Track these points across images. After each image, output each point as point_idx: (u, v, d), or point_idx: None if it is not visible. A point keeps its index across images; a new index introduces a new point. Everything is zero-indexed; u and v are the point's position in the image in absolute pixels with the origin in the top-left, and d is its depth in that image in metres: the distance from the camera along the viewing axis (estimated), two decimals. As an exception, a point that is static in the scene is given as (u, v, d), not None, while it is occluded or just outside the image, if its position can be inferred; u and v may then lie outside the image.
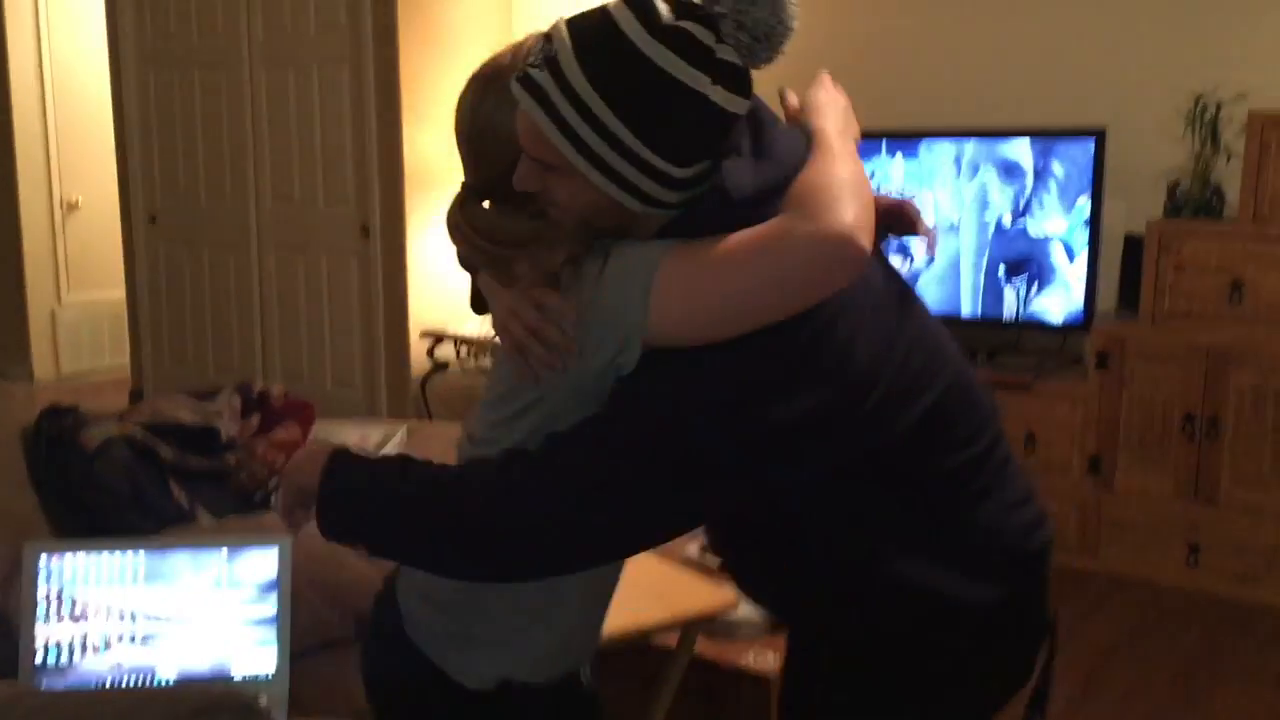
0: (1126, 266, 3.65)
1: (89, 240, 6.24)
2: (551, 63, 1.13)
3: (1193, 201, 3.40)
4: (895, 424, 1.21)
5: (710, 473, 1.14)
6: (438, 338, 4.66)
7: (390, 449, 3.18)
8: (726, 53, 1.12)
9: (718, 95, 1.12)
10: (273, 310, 5.18)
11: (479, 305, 1.35)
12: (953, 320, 3.80)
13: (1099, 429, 3.53)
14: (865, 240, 1.13)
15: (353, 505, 1.23)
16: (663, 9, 1.12)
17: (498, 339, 1.24)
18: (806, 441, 1.16)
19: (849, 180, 1.18)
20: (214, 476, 2.53)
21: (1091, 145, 3.61)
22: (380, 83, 4.63)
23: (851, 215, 1.14)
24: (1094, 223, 3.64)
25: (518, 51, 1.26)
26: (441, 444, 3.35)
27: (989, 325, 3.89)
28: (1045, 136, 3.70)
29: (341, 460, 1.26)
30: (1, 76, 5.93)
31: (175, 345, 5.53)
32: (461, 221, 1.27)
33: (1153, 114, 3.60)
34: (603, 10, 1.14)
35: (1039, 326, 3.81)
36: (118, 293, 5.87)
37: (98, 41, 5.69)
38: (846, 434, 1.18)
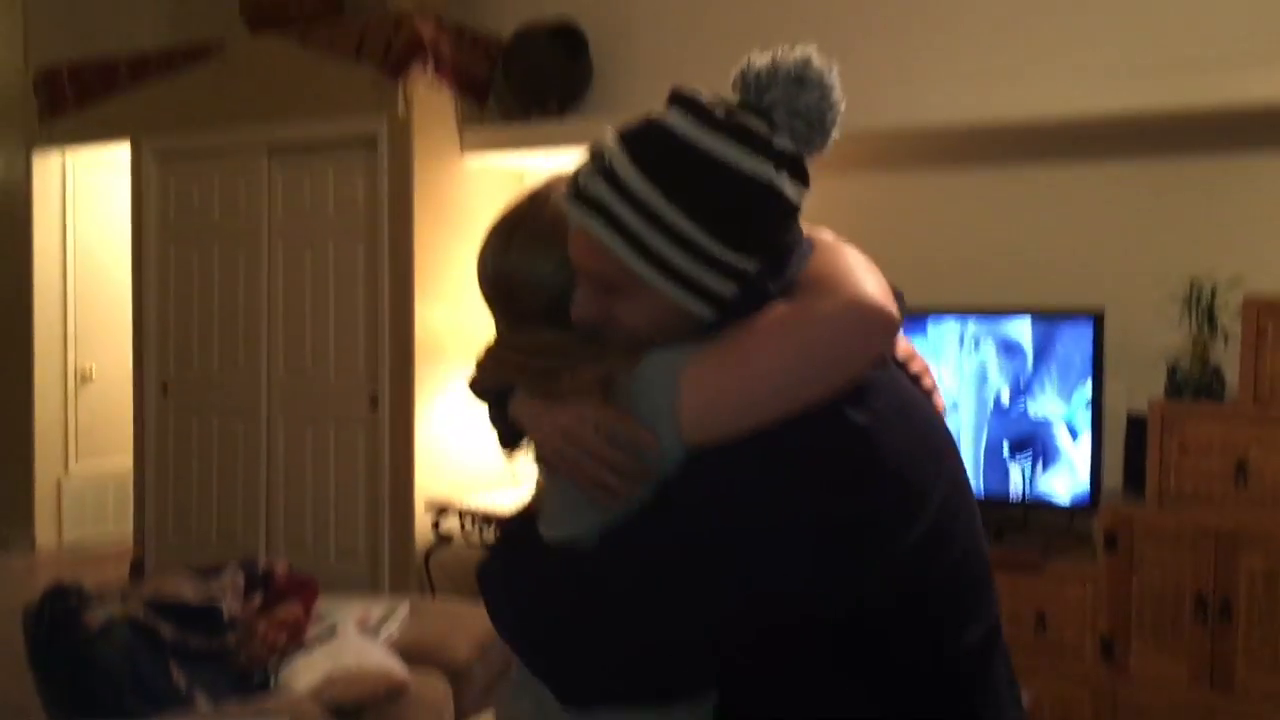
0: (1130, 446, 3.66)
1: (100, 409, 6.30)
2: (607, 172, 1.11)
3: (1193, 383, 3.44)
4: (931, 567, 1.14)
5: (771, 564, 1.07)
6: (442, 510, 4.65)
7: (393, 626, 3.15)
8: (783, 142, 1.12)
9: (784, 183, 1.12)
10: (279, 480, 5.19)
11: (509, 439, 1.30)
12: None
13: (1111, 611, 3.48)
14: (893, 308, 1.12)
15: (492, 570, 1.25)
16: (713, 105, 1.12)
17: (541, 461, 1.21)
18: (858, 548, 1.08)
19: (861, 261, 1.19)
20: (215, 657, 2.51)
21: (1091, 327, 3.67)
22: (394, 258, 4.75)
23: (873, 286, 1.14)
24: (1096, 402, 3.68)
25: (536, 198, 1.27)
26: (444, 621, 3.32)
27: (995, 504, 3.88)
28: (1045, 316, 3.77)
29: (504, 523, 1.28)
30: (25, 252, 6.10)
31: (179, 514, 5.52)
32: (496, 344, 1.28)
33: (1150, 296, 3.68)
34: (649, 119, 1.14)
35: (1045, 506, 3.80)
36: (124, 461, 5.89)
37: (121, 215, 5.87)
38: (893, 558, 1.10)
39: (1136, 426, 3.60)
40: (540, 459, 1.22)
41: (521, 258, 1.24)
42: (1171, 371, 3.50)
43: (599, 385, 1.15)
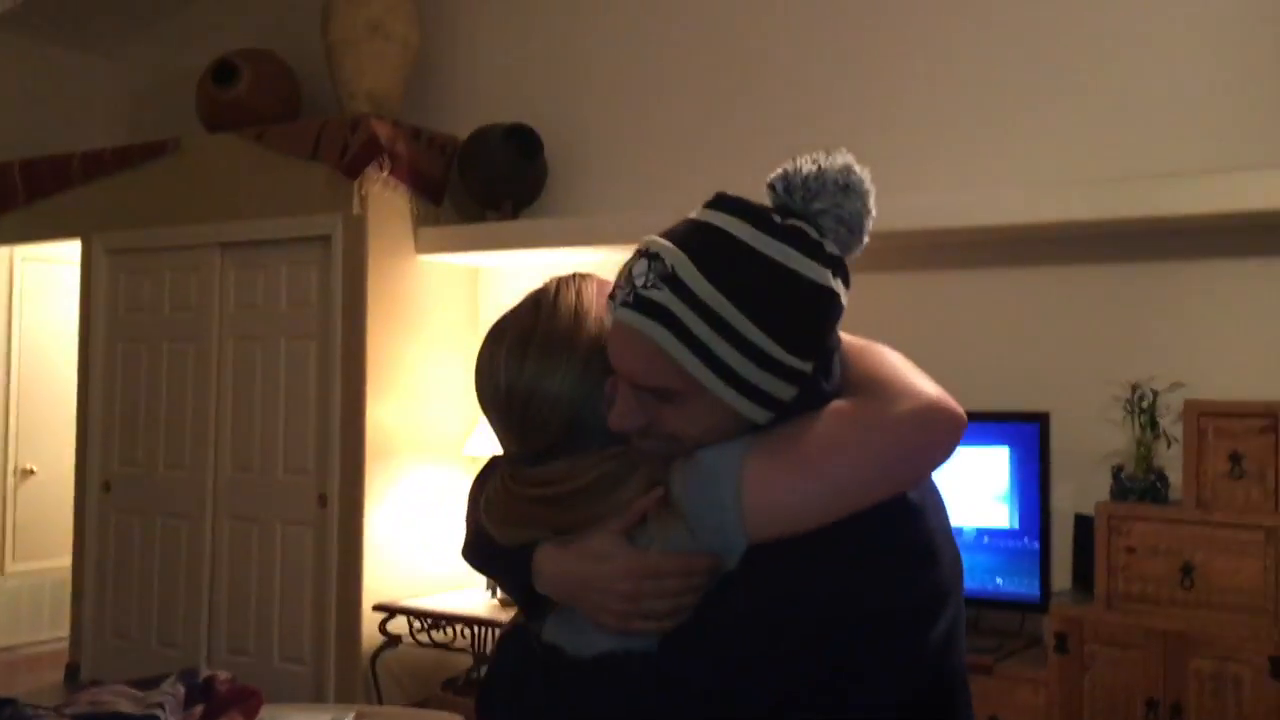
0: (1079, 547, 3.70)
1: (40, 508, 6.16)
2: (670, 280, 1.09)
3: (1138, 485, 3.49)
4: (943, 664, 1.16)
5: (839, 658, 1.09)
6: (391, 612, 4.57)
7: (337, 737, 3.06)
8: (831, 247, 1.14)
9: (839, 287, 1.14)
10: (222, 582, 5.09)
11: (535, 603, 1.22)
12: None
13: (1063, 714, 3.47)
14: (960, 409, 1.15)
15: (501, 691, 1.21)
16: (768, 211, 1.13)
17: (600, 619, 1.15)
18: (908, 637, 1.11)
19: (904, 360, 1.21)
20: (151, 772, 2.42)
21: (1037, 429, 3.73)
22: (347, 356, 4.74)
23: (934, 388, 1.16)
24: (1043, 504, 3.71)
25: (542, 306, 1.22)
26: (391, 730, 3.24)
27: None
28: (992, 420, 3.82)
29: (506, 638, 1.24)
30: (-31, 345, 6.01)
31: (118, 617, 5.38)
32: (514, 486, 1.20)
33: (1095, 400, 3.75)
34: (703, 224, 1.13)
35: (996, 605, 3.81)
36: (63, 561, 5.75)
37: (69, 312, 5.81)
38: (925, 649, 1.12)
39: (1084, 526, 3.64)
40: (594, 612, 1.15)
41: (540, 371, 1.18)
42: (1116, 474, 3.55)
43: (646, 495, 1.13)
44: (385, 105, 4.95)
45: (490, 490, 1.23)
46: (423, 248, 4.92)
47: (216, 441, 5.14)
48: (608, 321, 1.18)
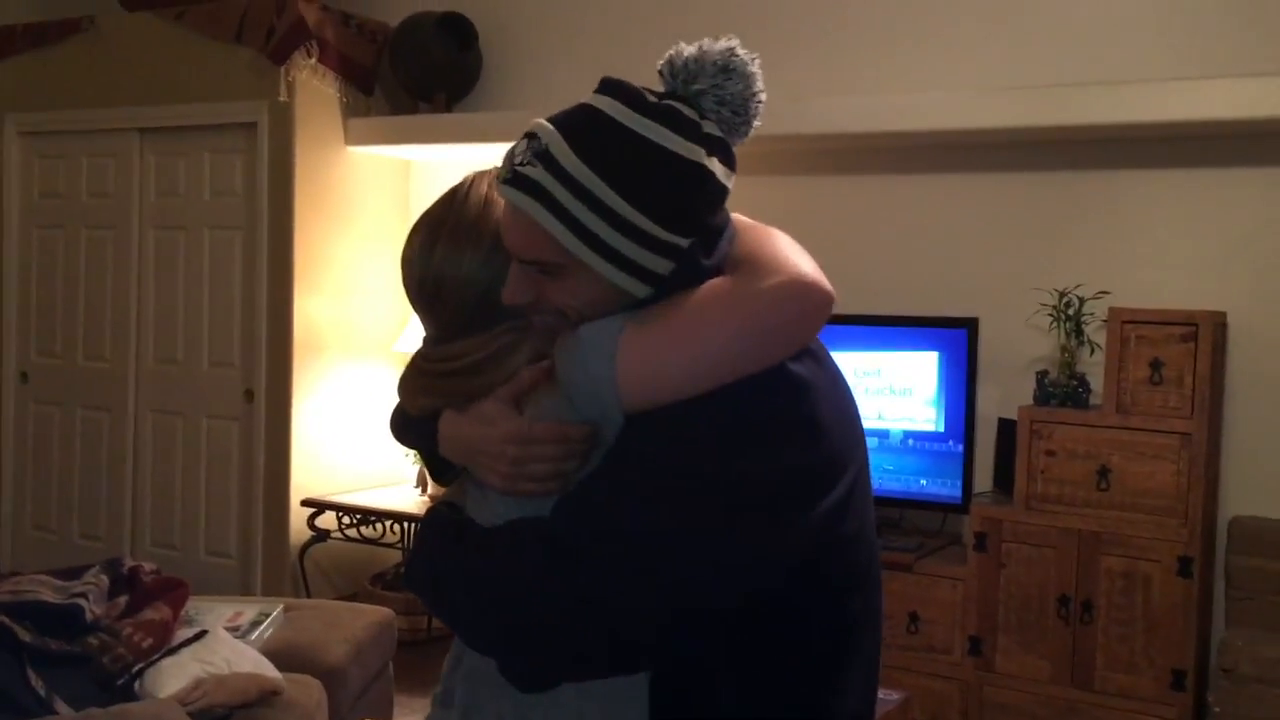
0: (1000, 450, 3.78)
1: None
2: (544, 156, 1.14)
3: (1060, 390, 3.57)
4: (830, 537, 1.18)
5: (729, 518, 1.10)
6: (320, 507, 4.56)
7: (266, 628, 3.07)
8: (711, 128, 1.17)
9: (715, 167, 1.16)
10: (146, 476, 5.02)
11: (443, 469, 1.32)
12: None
13: (979, 610, 3.59)
14: (829, 286, 1.18)
15: (419, 562, 1.24)
16: (644, 91, 1.17)
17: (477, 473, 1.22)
18: (790, 508, 1.13)
19: (791, 241, 1.24)
20: (76, 661, 2.41)
21: (965, 334, 3.78)
22: (274, 249, 4.63)
23: (809, 265, 1.20)
24: (969, 407, 3.78)
25: (455, 195, 1.28)
26: (319, 622, 3.24)
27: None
28: (921, 326, 3.87)
29: (430, 512, 1.27)
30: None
31: (38, 509, 5.29)
32: (422, 362, 1.28)
33: (1022, 307, 3.80)
34: (583, 105, 1.18)
35: (919, 506, 3.91)
36: (-20, 453, 5.62)
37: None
38: (818, 517, 1.15)
39: (1007, 430, 3.72)
40: (479, 473, 1.22)
41: (448, 255, 1.25)
42: (1040, 379, 3.62)
43: (533, 365, 1.19)
44: (313, -12, 4.77)
45: (406, 367, 1.31)
46: (352, 139, 4.79)
47: (138, 333, 5.02)
48: None
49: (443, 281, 1.25)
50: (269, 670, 2.70)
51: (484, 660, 1.20)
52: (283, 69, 4.53)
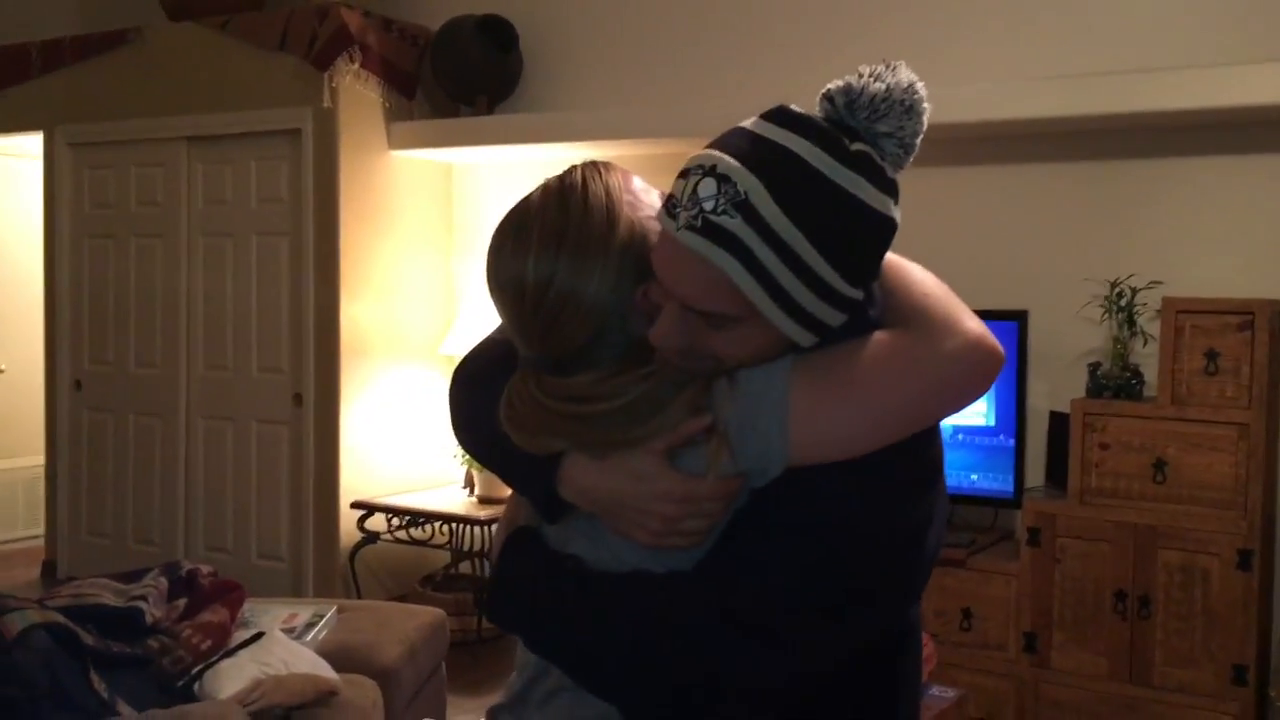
0: (1053, 444, 3.74)
1: (10, 406, 6.10)
2: (744, 208, 1.04)
3: (1113, 382, 3.52)
4: (939, 551, 1.23)
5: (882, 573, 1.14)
6: (369, 509, 4.59)
7: (320, 629, 3.09)
8: (890, 170, 1.11)
9: (897, 214, 1.12)
10: (198, 480, 5.08)
11: (555, 509, 1.19)
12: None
13: (1033, 606, 3.55)
14: (999, 346, 1.17)
15: (517, 599, 1.20)
16: (839, 135, 1.08)
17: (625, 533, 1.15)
18: (925, 543, 1.16)
19: (937, 282, 1.23)
20: (137, 663, 2.44)
21: (1015, 327, 3.74)
22: (320, 254, 4.67)
23: (976, 322, 1.17)
24: (1019, 401, 3.74)
25: (571, 202, 1.15)
26: (373, 623, 3.27)
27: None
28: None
29: (517, 543, 1.22)
30: (-70, 240, 5.89)
31: (93, 515, 5.37)
32: (543, 397, 1.13)
33: (1073, 298, 3.75)
34: (769, 142, 1.07)
35: (971, 501, 3.87)
36: (36, 460, 5.72)
37: (34, 207, 5.69)
38: (935, 548, 1.19)
39: (1059, 423, 3.67)
40: (626, 528, 1.15)
41: (575, 272, 1.12)
42: (1093, 371, 3.58)
43: (693, 419, 1.11)
44: (355, -6, 4.81)
45: (512, 394, 1.17)
46: (395, 143, 4.82)
47: (188, 339, 5.09)
48: (641, 223, 1.14)
49: (567, 300, 1.12)
50: (326, 671, 2.72)
51: (582, 696, 1.17)
52: (326, 75, 4.57)
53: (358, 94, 4.67)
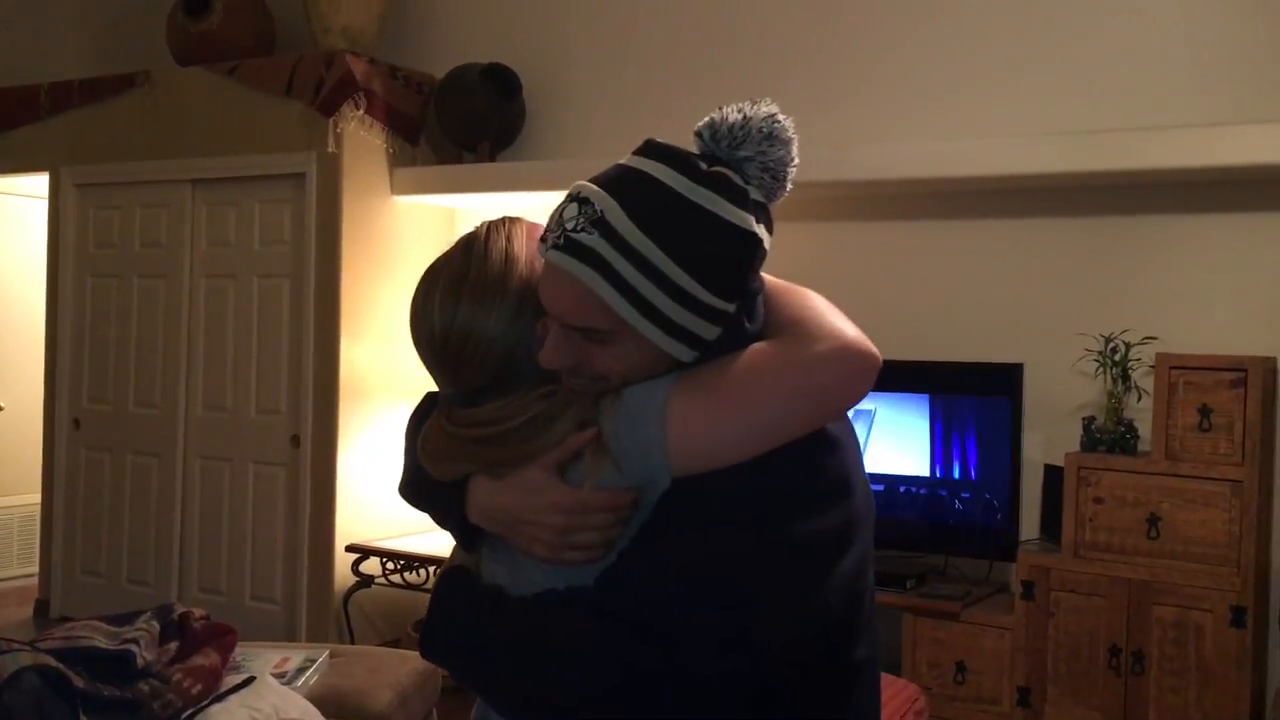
0: (1047, 497, 3.75)
1: (9, 444, 6.10)
2: (600, 225, 1.13)
3: (1108, 436, 3.53)
4: (866, 579, 1.23)
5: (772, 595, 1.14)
6: (364, 553, 4.58)
7: (313, 674, 3.08)
8: (755, 193, 1.18)
9: (762, 233, 1.18)
10: (193, 521, 5.07)
11: (471, 537, 1.27)
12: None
13: (1027, 660, 3.54)
14: (876, 351, 1.20)
15: (445, 632, 1.22)
16: (694, 159, 1.18)
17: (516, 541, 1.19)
18: (830, 563, 1.17)
19: (827, 303, 1.26)
20: (128, 707, 2.43)
21: (1008, 381, 3.76)
22: (321, 297, 4.70)
23: (854, 330, 1.21)
24: (1014, 454, 3.75)
25: (474, 250, 1.25)
26: (364, 668, 3.26)
27: (915, 551, 3.94)
28: (964, 372, 3.86)
29: (448, 579, 1.24)
30: (-66, 278, 5.92)
31: (88, 554, 5.36)
32: (451, 427, 1.22)
33: (1068, 352, 3.77)
34: (632, 169, 1.18)
35: (965, 554, 3.87)
36: (32, 498, 5.71)
37: (38, 247, 5.72)
38: (850, 570, 1.19)
39: (1054, 476, 3.68)
40: (520, 540, 1.19)
41: (474, 312, 1.21)
42: (1087, 425, 3.59)
43: (579, 433, 1.16)
44: (361, 42, 4.87)
45: (428, 429, 1.26)
46: (398, 188, 4.87)
47: (188, 380, 5.10)
48: (538, 265, 1.22)
49: (467, 339, 1.21)
50: (316, 717, 2.71)
51: None
52: (331, 121, 4.62)
53: (362, 139, 4.72)
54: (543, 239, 1.19)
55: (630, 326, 1.14)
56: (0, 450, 6.09)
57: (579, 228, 1.14)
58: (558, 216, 1.18)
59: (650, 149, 1.19)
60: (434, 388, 1.33)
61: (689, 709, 1.14)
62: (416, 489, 1.32)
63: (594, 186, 1.17)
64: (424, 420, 1.32)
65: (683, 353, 1.17)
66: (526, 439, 1.18)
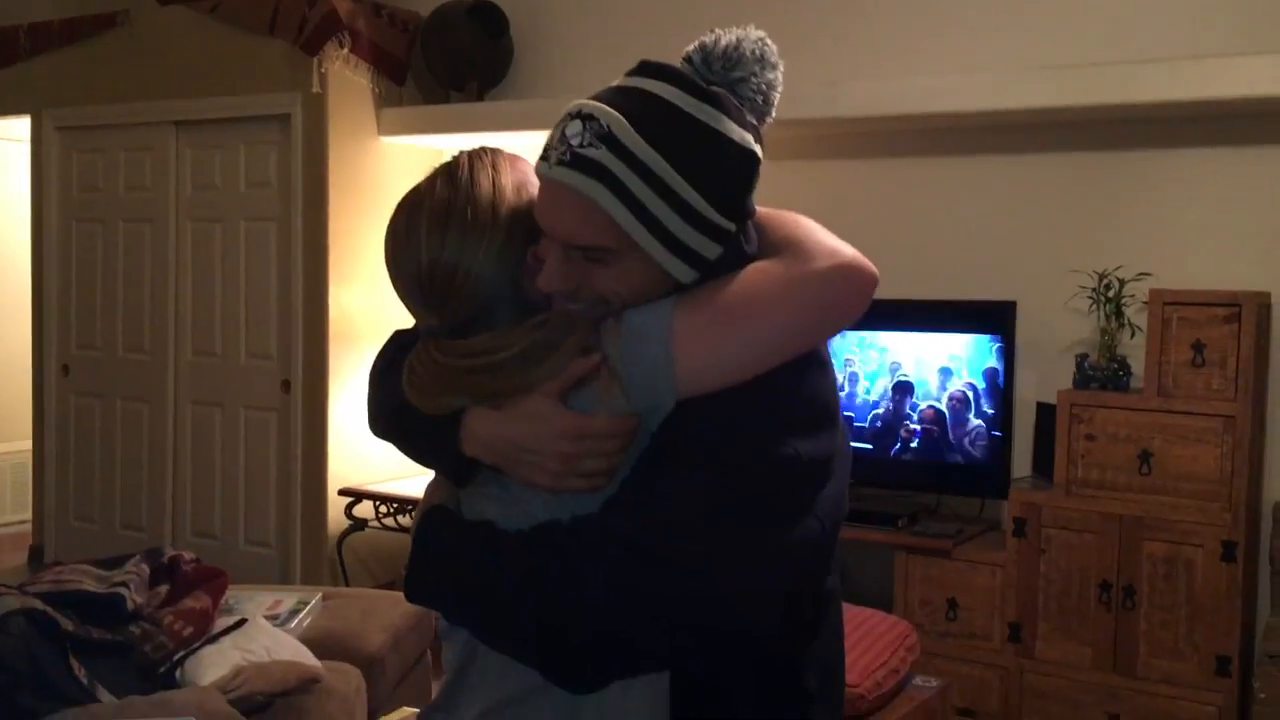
0: (1040, 435, 3.74)
1: (-3, 390, 6.09)
2: (607, 139, 1.12)
3: (1100, 373, 3.52)
4: (844, 508, 1.24)
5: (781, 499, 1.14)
6: (357, 496, 4.58)
7: (304, 617, 3.09)
8: (748, 113, 1.19)
9: (759, 151, 1.18)
10: (185, 466, 5.06)
11: (464, 471, 1.22)
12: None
13: (1018, 596, 3.56)
14: (873, 267, 1.20)
15: (433, 572, 1.20)
16: (694, 78, 1.17)
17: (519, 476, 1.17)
18: (820, 489, 1.18)
19: (819, 226, 1.26)
20: (118, 650, 2.43)
21: (1003, 318, 3.74)
22: (308, 240, 4.66)
23: (849, 248, 1.22)
24: (1007, 391, 3.74)
25: (458, 182, 1.22)
26: (358, 611, 3.26)
27: (907, 489, 3.95)
28: (958, 307, 3.83)
29: (431, 519, 1.22)
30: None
31: (80, 500, 5.36)
32: (442, 357, 1.19)
33: (1060, 290, 3.75)
34: (631, 88, 1.16)
35: (956, 492, 3.87)
36: (23, 445, 5.70)
37: (20, 191, 5.66)
38: (835, 496, 1.20)
39: (1046, 414, 3.67)
40: (523, 470, 1.16)
41: (462, 246, 1.19)
42: (1080, 362, 3.58)
43: (582, 359, 1.15)
44: (345, -21, 4.78)
45: (413, 361, 1.23)
46: (385, 129, 4.80)
47: (176, 325, 5.07)
48: (525, 195, 1.21)
49: (455, 271, 1.19)
50: (308, 658, 2.72)
51: (509, 668, 1.17)
52: (315, 60, 4.55)
53: (347, 79, 4.64)
54: (543, 157, 1.16)
55: (635, 244, 1.13)
56: (-10, 397, 6.08)
57: (585, 143, 1.12)
58: (559, 134, 1.15)
59: (648, 68, 1.18)
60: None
61: (704, 630, 1.14)
62: (398, 425, 1.29)
63: (597, 103, 1.15)
64: (392, 359, 1.29)
65: (684, 273, 1.16)
66: (526, 368, 1.16)
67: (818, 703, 1.28)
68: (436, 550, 1.22)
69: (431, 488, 1.31)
